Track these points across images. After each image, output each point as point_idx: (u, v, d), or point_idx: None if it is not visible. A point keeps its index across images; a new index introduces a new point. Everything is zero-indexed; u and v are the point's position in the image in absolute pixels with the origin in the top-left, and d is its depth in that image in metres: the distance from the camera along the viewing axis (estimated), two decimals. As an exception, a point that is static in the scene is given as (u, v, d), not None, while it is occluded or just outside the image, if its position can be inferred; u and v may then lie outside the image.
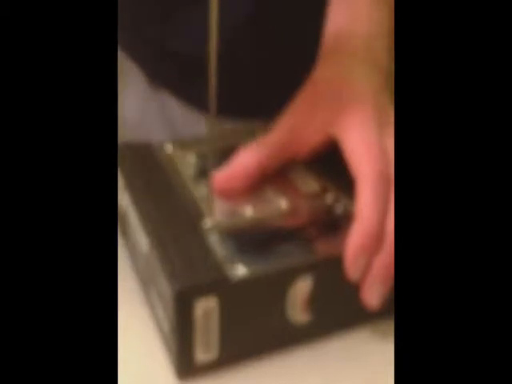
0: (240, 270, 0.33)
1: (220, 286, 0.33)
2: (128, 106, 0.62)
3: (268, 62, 0.56)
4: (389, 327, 0.37)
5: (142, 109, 0.63)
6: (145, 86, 0.63)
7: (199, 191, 0.40)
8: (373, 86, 0.41)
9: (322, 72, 0.43)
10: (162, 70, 0.62)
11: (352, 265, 0.35)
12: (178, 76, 0.60)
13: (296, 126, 0.41)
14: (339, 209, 0.39)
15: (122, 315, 0.33)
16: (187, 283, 0.32)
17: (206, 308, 0.33)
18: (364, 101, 0.40)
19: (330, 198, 0.40)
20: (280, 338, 0.36)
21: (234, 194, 0.40)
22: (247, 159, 0.41)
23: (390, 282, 0.35)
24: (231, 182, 0.40)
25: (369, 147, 0.37)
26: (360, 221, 0.35)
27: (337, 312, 0.37)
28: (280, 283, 0.34)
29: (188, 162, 0.44)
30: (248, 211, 0.38)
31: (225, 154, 0.42)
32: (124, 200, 0.42)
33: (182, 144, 0.46)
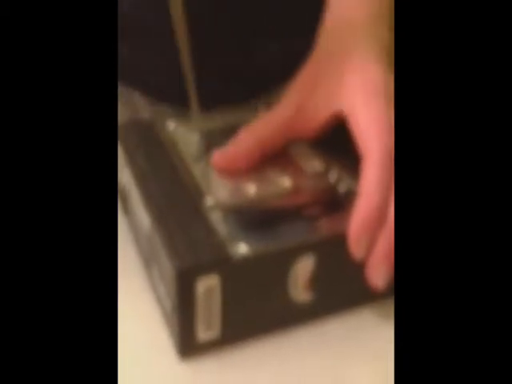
0: (242, 249, 0.33)
1: (222, 264, 0.33)
2: None
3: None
4: (390, 307, 0.37)
5: None
6: None
7: (201, 169, 0.40)
8: (376, 59, 0.40)
9: (324, 47, 0.42)
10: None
11: (356, 242, 0.34)
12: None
13: (300, 103, 0.40)
14: (342, 188, 0.39)
15: (124, 293, 0.33)
16: (189, 262, 0.32)
17: (208, 286, 0.32)
18: (369, 74, 0.39)
19: (333, 176, 0.40)
20: (282, 317, 0.36)
21: (235, 174, 0.39)
22: (248, 138, 0.40)
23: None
24: (232, 162, 0.40)
25: (376, 122, 0.36)
26: (365, 197, 0.35)
27: (339, 291, 0.37)
28: (282, 262, 0.34)
29: (190, 140, 0.43)
30: (251, 189, 0.38)
31: (228, 132, 0.41)
32: (125, 177, 0.42)
33: (185, 121, 0.46)
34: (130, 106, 0.62)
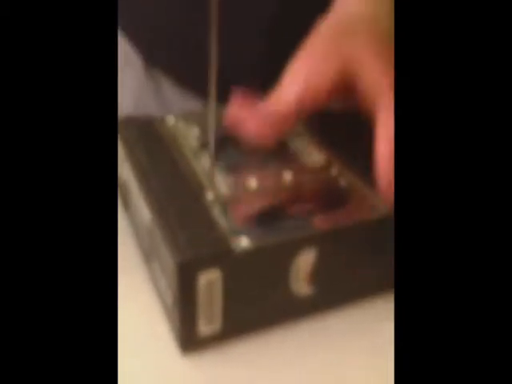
0: (243, 242, 0.33)
1: (223, 258, 0.33)
2: (124, 88, 0.62)
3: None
4: (391, 301, 0.36)
5: (138, 90, 0.63)
6: (141, 68, 0.63)
7: (202, 164, 0.40)
8: (380, 24, 0.40)
9: (327, 19, 0.42)
10: (159, 53, 0.62)
11: (387, 173, 0.34)
12: (175, 58, 0.59)
13: (310, 72, 0.39)
14: (343, 182, 0.39)
15: (124, 288, 0.33)
16: (190, 255, 0.32)
17: (209, 280, 0.32)
18: (374, 35, 0.39)
19: (334, 171, 0.40)
20: (283, 310, 0.36)
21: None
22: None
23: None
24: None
25: (385, 75, 0.37)
26: (384, 128, 0.35)
27: (340, 285, 0.36)
28: (283, 255, 0.34)
29: (190, 135, 0.43)
30: (252, 184, 0.38)
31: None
32: (126, 173, 0.42)
33: (184, 117, 0.46)
34: (160, 98, 0.62)
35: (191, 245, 0.33)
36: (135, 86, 0.63)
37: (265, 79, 0.55)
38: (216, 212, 0.35)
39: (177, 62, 0.59)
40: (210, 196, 0.37)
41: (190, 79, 0.60)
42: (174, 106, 0.62)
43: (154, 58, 0.62)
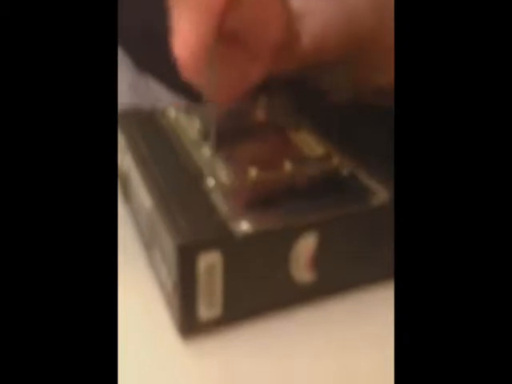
0: (244, 226, 0.33)
1: (223, 241, 0.32)
2: (120, 82, 0.63)
3: None
4: (391, 288, 0.36)
5: (129, 90, 0.64)
6: (132, 69, 0.64)
7: (203, 154, 0.40)
8: None
9: None
10: (146, 55, 0.62)
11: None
12: (160, 61, 0.60)
13: None
14: (344, 172, 0.39)
15: (125, 278, 0.33)
16: (190, 237, 0.32)
17: (210, 263, 0.32)
18: None
19: (335, 161, 0.40)
20: (284, 296, 0.35)
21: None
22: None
23: None
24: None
25: None
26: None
27: (341, 271, 0.36)
28: (284, 240, 0.34)
29: (192, 126, 0.43)
30: (252, 173, 0.38)
31: (229, 119, 0.41)
32: (126, 164, 0.42)
33: (186, 108, 0.46)
34: (150, 94, 0.63)
35: (191, 228, 0.33)
36: (127, 85, 0.63)
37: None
38: (217, 198, 0.35)
39: (164, 68, 0.60)
40: (210, 182, 0.37)
41: (175, 83, 0.62)
42: (163, 98, 0.63)
43: (143, 64, 0.63)
